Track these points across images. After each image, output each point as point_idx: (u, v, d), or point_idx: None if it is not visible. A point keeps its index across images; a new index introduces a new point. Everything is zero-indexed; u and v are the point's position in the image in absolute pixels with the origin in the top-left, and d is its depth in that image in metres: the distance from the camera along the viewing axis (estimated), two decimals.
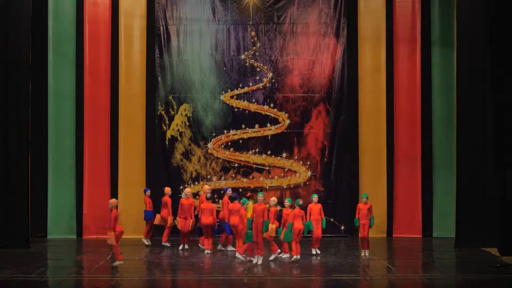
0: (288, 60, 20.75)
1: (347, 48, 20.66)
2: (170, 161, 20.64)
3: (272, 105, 20.75)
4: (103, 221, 20.21)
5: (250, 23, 20.75)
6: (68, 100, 20.52)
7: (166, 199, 18.79)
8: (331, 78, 20.68)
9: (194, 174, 20.64)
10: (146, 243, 18.96)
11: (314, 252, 17.48)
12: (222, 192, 20.03)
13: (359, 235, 17.53)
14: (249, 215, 16.72)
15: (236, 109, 20.74)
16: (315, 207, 17.59)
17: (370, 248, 17.28)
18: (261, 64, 20.75)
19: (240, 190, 20.43)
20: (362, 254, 17.18)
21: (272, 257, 16.77)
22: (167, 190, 18.95)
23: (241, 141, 20.73)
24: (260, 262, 16.17)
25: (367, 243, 17.22)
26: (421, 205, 20.47)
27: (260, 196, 16.51)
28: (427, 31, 20.58)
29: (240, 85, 20.75)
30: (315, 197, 17.82)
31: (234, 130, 20.72)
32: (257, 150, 20.71)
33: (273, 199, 16.84)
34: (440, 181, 20.41)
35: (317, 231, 17.46)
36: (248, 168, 20.70)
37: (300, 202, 17.13)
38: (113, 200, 16.03)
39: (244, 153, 20.72)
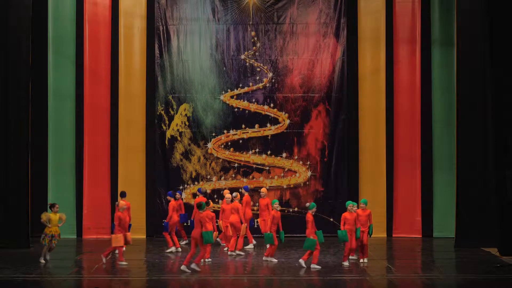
0: (288, 60, 20.75)
1: (347, 48, 20.66)
2: (170, 161, 20.64)
3: (272, 105, 20.74)
4: (103, 221, 20.24)
5: (250, 23, 20.75)
6: (68, 100, 20.52)
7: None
8: (331, 78, 20.67)
9: (193, 174, 20.64)
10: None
11: (347, 264, 16.13)
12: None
13: (357, 243, 16.39)
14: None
15: (236, 109, 20.74)
16: (350, 216, 16.23)
17: (369, 252, 16.86)
18: (261, 64, 20.75)
19: (240, 190, 20.43)
20: (361, 261, 16.38)
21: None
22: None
23: (241, 141, 20.73)
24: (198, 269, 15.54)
25: (367, 251, 16.47)
26: (420, 205, 20.47)
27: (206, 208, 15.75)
28: (427, 31, 20.58)
29: (240, 85, 20.75)
30: (352, 206, 16.28)
31: (234, 130, 20.72)
32: (257, 150, 20.70)
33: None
34: (440, 181, 20.41)
35: (352, 241, 16.16)
36: (248, 168, 20.70)
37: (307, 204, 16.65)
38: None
39: (244, 153, 20.72)
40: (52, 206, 16.81)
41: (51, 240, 16.48)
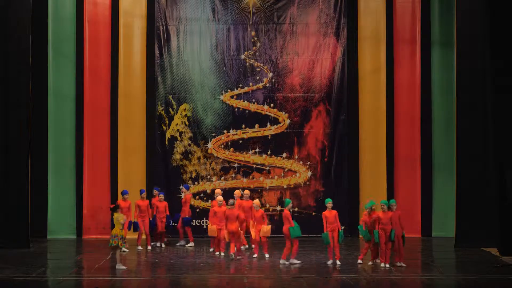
0: (288, 60, 20.75)
1: (347, 48, 20.66)
2: (170, 161, 20.64)
3: (272, 105, 20.75)
4: (103, 221, 20.23)
5: (250, 23, 20.75)
6: (68, 100, 20.52)
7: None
8: (331, 78, 20.68)
9: (194, 174, 20.64)
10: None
11: (399, 265, 15.96)
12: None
13: (392, 247, 15.92)
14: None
15: (236, 109, 20.74)
16: (394, 215, 15.88)
17: (368, 252, 16.67)
18: (261, 64, 20.75)
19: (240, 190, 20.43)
20: (399, 265, 15.94)
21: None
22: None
23: (241, 141, 20.73)
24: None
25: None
26: (420, 205, 20.47)
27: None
28: (427, 32, 20.58)
29: (240, 85, 20.75)
30: (394, 205, 16.01)
31: (234, 130, 20.72)
32: (257, 150, 20.71)
33: (256, 202, 17.09)
34: (440, 181, 20.42)
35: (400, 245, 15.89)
36: (248, 168, 20.70)
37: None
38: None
39: (244, 153, 20.72)
40: (119, 207, 15.95)
41: (123, 241, 15.72)
